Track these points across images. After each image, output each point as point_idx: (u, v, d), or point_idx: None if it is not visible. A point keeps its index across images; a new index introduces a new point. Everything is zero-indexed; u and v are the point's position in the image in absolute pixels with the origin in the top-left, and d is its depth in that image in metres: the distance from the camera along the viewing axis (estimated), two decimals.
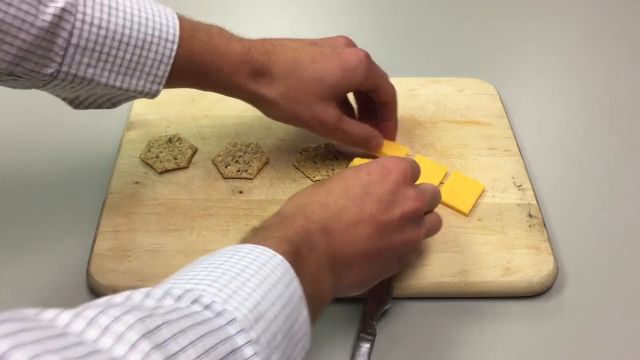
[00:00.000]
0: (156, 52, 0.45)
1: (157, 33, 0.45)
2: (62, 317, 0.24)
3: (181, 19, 0.47)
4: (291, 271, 0.34)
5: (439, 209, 0.55)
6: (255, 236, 0.37)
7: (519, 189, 0.57)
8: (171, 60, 0.46)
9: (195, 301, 0.29)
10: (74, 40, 0.42)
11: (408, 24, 0.82)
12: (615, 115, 0.69)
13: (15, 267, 0.52)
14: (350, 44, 0.55)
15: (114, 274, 0.49)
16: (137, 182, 0.57)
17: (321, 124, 0.53)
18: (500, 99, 0.67)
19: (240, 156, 0.59)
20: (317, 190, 0.43)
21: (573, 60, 0.77)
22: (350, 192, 0.42)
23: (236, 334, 0.29)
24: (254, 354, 0.29)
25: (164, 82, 0.47)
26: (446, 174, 0.58)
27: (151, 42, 0.45)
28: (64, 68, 0.43)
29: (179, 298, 0.29)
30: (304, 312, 0.34)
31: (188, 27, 0.47)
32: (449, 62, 0.76)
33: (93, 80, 0.44)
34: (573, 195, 0.60)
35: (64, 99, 0.48)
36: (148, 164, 0.58)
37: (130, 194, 0.56)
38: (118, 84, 0.45)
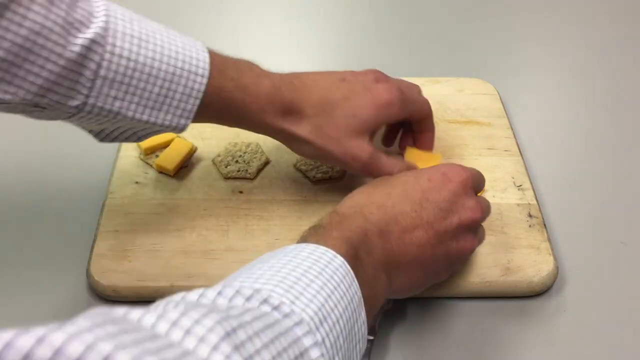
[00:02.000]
0: (185, 86, 0.44)
1: (187, 67, 0.44)
2: (147, 318, 0.25)
3: (211, 53, 0.46)
4: (351, 274, 0.35)
5: None
6: (315, 235, 0.38)
7: (519, 189, 0.57)
8: (200, 95, 0.45)
9: (264, 301, 0.30)
10: (101, 72, 0.41)
11: (408, 24, 0.82)
12: (615, 115, 0.69)
13: (15, 266, 0.52)
14: (381, 78, 0.53)
15: (114, 274, 0.49)
16: (137, 182, 0.57)
17: (354, 160, 0.50)
18: (500, 99, 0.67)
19: (240, 156, 0.59)
20: (376, 191, 0.43)
21: (573, 60, 0.77)
22: (409, 197, 0.42)
23: (303, 335, 0.30)
24: (320, 355, 0.30)
25: (192, 116, 0.45)
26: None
27: (180, 76, 0.44)
28: (91, 100, 0.41)
29: (249, 298, 0.30)
30: (362, 315, 0.35)
31: (218, 62, 0.46)
32: (449, 62, 0.76)
33: (120, 114, 0.43)
34: (573, 195, 0.60)
35: (90, 131, 0.47)
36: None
37: (130, 194, 0.56)
38: (145, 117, 0.44)
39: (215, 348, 0.24)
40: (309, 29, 0.81)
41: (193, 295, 0.30)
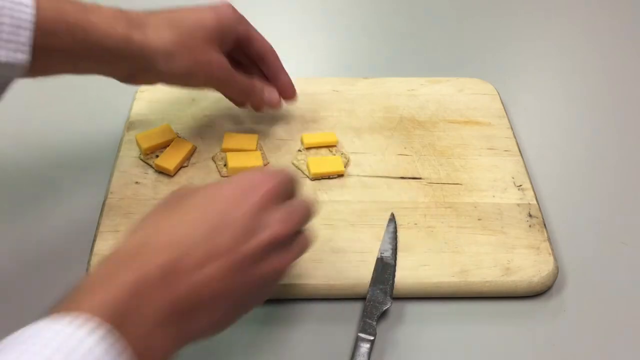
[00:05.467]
0: (12, 17, 0.43)
1: None
2: None
3: None
4: (114, 349, 0.30)
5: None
6: (73, 296, 0.34)
7: (519, 189, 0.57)
8: (32, 25, 0.43)
9: None
10: None
11: (408, 24, 0.82)
12: (615, 115, 0.69)
13: (16, 267, 0.52)
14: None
15: None
16: (137, 182, 0.57)
17: (220, 69, 0.53)
18: (500, 99, 0.67)
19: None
20: (168, 219, 0.39)
21: (573, 60, 0.77)
22: (205, 222, 0.37)
23: None
24: None
25: (29, 49, 0.44)
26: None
27: (3, 7, 0.42)
28: None
29: None
30: None
31: None
32: (449, 62, 0.76)
33: None
34: (573, 195, 0.60)
35: None
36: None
37: (130, 194, 0.56)
38: None
39: None
40: (308, 28, 0.81)
41: None
